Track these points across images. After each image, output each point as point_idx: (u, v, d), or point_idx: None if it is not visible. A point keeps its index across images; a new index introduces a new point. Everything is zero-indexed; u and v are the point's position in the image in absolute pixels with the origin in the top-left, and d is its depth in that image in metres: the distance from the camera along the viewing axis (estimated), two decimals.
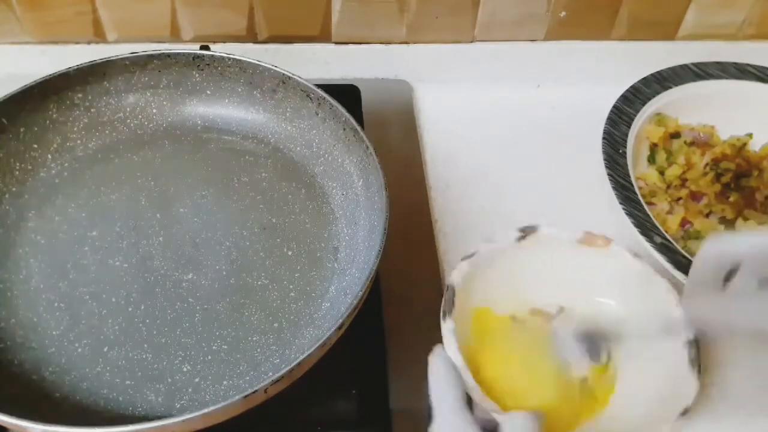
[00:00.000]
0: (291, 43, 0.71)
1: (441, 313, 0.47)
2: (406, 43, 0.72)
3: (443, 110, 0.70)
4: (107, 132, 0.58)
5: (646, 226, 0.55)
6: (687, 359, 0.47)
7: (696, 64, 0.67)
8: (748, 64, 0.67)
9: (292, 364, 0.40)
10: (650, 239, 0.54)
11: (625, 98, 0.64)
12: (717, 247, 0.42)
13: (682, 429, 0.45)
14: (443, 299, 0.48)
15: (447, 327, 0.47)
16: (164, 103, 0.59)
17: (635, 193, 0.57)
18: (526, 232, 0.52)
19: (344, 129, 0.54)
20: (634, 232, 0.55)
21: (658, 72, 0.66)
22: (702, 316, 0.43)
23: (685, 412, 0.44)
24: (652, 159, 0.64)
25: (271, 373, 0.40)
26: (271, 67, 0.56)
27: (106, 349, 0.46)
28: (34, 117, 0.54)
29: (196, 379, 0.45)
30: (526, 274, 0.52)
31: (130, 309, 0.48)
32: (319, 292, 0.50)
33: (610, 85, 0.65)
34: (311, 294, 0.50)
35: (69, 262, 0.50)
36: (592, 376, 0.49)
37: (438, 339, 0.52)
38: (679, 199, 0.60)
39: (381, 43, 0.71)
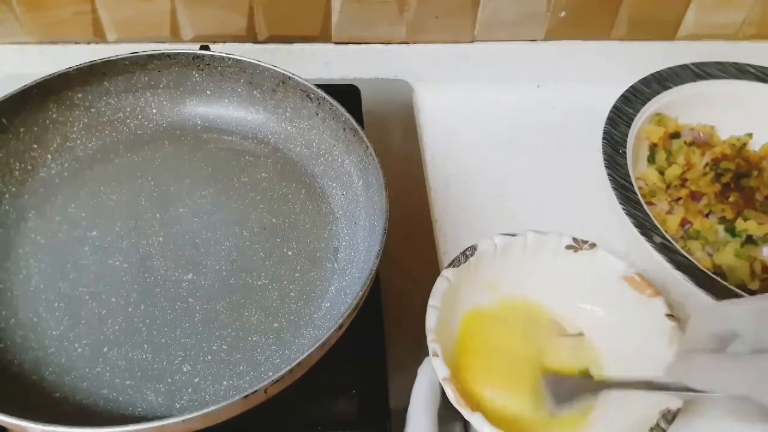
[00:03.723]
0: (291, 43, 0.71)
1: (427, 331, 0.47)
2: (406, 43, 0.72)
3: (443, 110, 0.70)
4: (107, 132, 0.58)
5: (645, 226, 0.55)
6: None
7: (696, 64, 0.67)
8: (748, 64, 0.67)
9: (292, 365, 0.40)
10: (650, 239, 0.54)
11: (625, 98, 0.64)
12: (713, 316, 0.42)
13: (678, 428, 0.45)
14: (426, 316, 0.47)
15: (432, 345, 0.46)
16: (164, 103, 0.59)
17: (635, 193, 0.57)
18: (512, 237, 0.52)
19: (344, 129, 0.54)
20: (634, 232, 0.55)
21: (657, 72, 0.66)
22: (696, 378, 0.41)
23: (669, 417, 0.44)
24: (651, 159, 0.64)
25: (271, 374, 0.40)
26: (270, 67, 0.56)
27: (106, 349, 0.46)
28: (33, 117, 0.54)
29: (196, 379, 0.45)
30: (512, 279, 0.53)
31: (130, 309, 0.48)
32: (319, 292, 0.50)
33: (610, 85, 0.65)
34: (311, 294, 0.50)
35: (69, 262, 0.50)
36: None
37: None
38: (679, 199, 0.60)
39: (381, 43, 0.71)
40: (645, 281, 0.50)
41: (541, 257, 0.53)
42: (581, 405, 0.47)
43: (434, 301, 0.48)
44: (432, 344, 0.46)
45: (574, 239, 0.52)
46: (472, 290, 0.51)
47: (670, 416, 0.44)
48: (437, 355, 0.46)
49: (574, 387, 0.47)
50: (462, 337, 0.51)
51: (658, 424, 0.44)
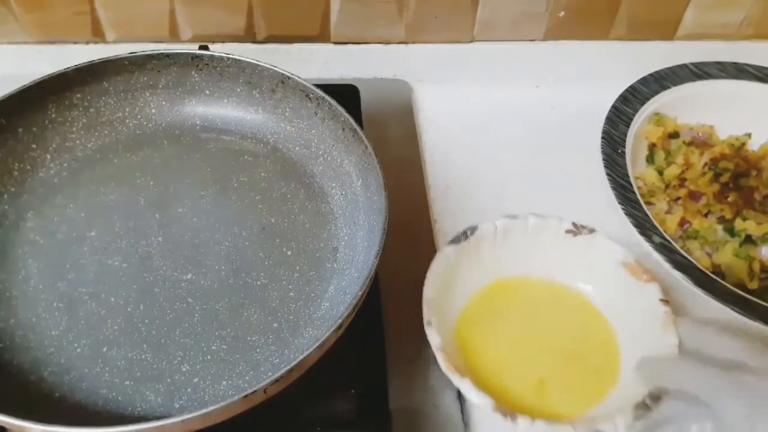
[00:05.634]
0: (290, 43, 0.71)
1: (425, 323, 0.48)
2: (405, 43, 0.72)
3: (442, 110, 0.70)
4: (106, 132, 0.58)
5: (645, 226, 0.55)
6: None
7: (695, 64, 0.67)
8: (746, 64, 0.67)
9: (292, 365, 0.40)
10: (649, 239, 0.54)
11: (623, 98, 0.64)
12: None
13: None
14: (424, 288, 0.50)
15: (427, 315, 0.48)
16: (163, 103, 0.59)
17: (634, 193, 0.57)
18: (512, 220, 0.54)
19: (343, 129, 0.54)
20: (633, 232, 0.55)
21: (656, 72, 0.66)
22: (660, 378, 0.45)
23: (655, 395, 0.45)
24: (650, 159, 0.64)
25: (270, 373, 0.40)
26: (270, 67, 0.56)
27: (105, 349, 0.46)
28: (32, 117, 0.54)
29: (196, 379, 0.45)
30: (512, 261, 0.54)
31: (129, 309, 0.48)
32: (318, 292, 0.50)
33: (609, 85, 0.65)
34: (310, 294, 0.50)
35: (68, 263, 0.50)
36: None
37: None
38: (678, 198, 0.60)
39: (380, 43, 0.71)
40: (641, 267, 0.52)
41: (542, 240, 0.54)
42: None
43: (432, 275, 0.50)
44: (427, 314, 0.48)
45: (574, 224, 0.54)
46: (470, 269, 0.53)
47: (656, 395, 0.45)
48: (430, 324, 0.47)
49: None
50: (462, 316, 0.52)
51: (644, 402, 0.45)
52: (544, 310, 0.53)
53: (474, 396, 0.45)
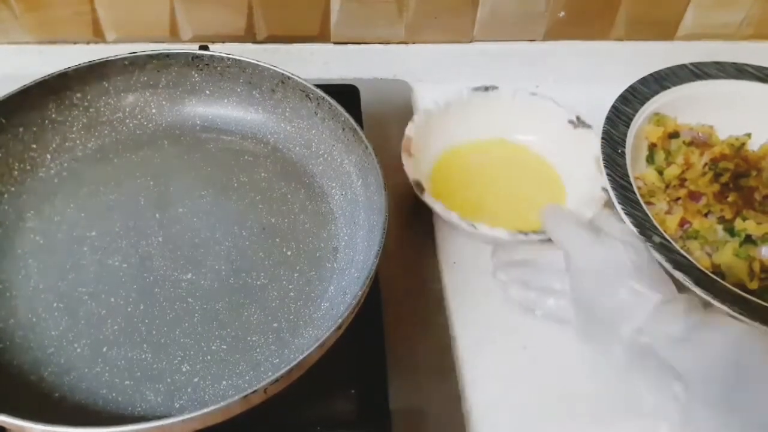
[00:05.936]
0: (290, 43, 0.71)
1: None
2: (405, 43, 0.72)
3: None
4: (106, 132, 0.58)
5: (645, 226, 0.55)
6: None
7: (694, 64, 0.67)
8: (746, 64, 0.67)
9: (292, 364, 0.40)
10: (649, 239, 0.54)
11: (623, 98, 0.64)
12: None
13: None
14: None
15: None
16: (163, 103, 0.59)
17: (634, 193, 0.57)
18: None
19: (343, 129, 0.54)
20: (633, 232, 0.55)
21: (656, 72, 0.66)
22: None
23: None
24: (650, 159, 0.64)
25: (270, 373, 0.40)
26: (270, 67, 0.56)
27: (105, 349, 0.46)
28: (32, 117, 0.54)
29: (196, 379, 0.45)
30: (511, 126, 0.64)
31: (129, 309, 0.48)
32: (318, 292, 0.50)
33: (609, 85, 0.65)
34: (310, 294, 0.50)
35: (68, 263, 0.50)
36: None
37: (437, 337, 0.53)
38: (678, 199, 0.60)
39: (380, 43, 0.71)
40: None
41: (546, 122, 0.62)
42: None
43: (419, 115, 0.60)
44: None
45: (578, 117, 0.62)
46: (470, 121, 0.62)
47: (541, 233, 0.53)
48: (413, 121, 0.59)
49: None
50: (435, 169, 0.61)
51: (526, 232, 0.53)
52: (514, 164, 0.63)
53: (409, 171, 0.56)
